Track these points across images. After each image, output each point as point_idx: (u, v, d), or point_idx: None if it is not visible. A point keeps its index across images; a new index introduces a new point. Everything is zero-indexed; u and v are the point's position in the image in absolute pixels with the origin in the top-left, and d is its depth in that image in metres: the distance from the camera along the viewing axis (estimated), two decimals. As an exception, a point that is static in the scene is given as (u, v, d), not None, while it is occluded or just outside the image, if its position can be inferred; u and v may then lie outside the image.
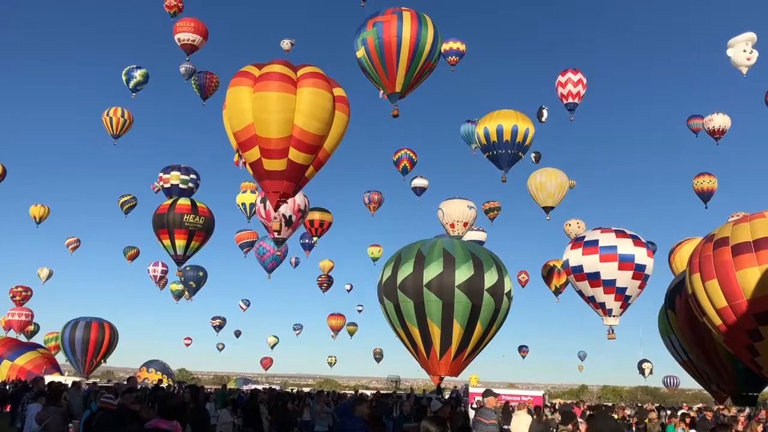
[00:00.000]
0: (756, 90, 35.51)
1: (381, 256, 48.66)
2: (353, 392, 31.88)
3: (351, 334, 61.26)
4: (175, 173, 31.88)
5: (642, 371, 52.38)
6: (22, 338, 40.62)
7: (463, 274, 20.03)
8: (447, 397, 25.21)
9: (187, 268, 38.80)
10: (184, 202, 28.80)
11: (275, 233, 28.24)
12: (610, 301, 22.87)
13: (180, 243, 27.95)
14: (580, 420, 10.93)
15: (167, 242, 28.03)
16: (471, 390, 22.91)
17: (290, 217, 27.77)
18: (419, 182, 41.41)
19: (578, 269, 23.07)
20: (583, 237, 23.94)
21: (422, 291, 20.06)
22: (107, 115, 33.59)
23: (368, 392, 31.65)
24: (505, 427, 13.25)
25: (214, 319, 61.41)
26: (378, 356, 67.21)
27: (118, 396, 7.93)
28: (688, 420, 13.85)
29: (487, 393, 9.57)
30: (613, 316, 23.37)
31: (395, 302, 20.82)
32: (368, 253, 50.06)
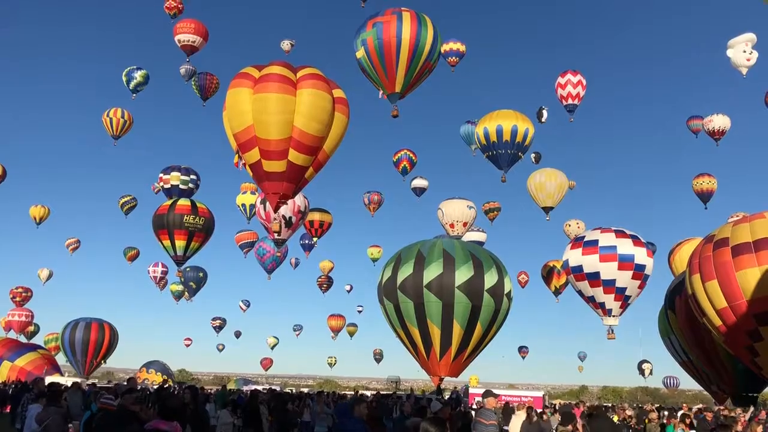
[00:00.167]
0: (756, 90, 35.61)
1: (381, 256, 48.78)
2: (353, 393, 31.83)
3: (351, 334, 61.32)
4: (175, 174, 31.92)
5: (642, 372, 52.29)
6: (23, 339, 40.63)
7: (463, 274, 20.06)
8: (447, 397, 25.19)
9: (187, 269, 38.86)
10: (184, 202, 28.82)
11: (275, 234, 28.27)
12: (610, 301, 22.87)
13: (180, 244, 27.97)
14: (579, 420, 10.94)
15: (167, 243, 28.05)
16: (471, 391, 22.96)
17: (290, 218, 27.77)
18: (419, 183, 41.42)
19: (578, 269, 23.08)
20: (583, 237, 23.96)
21: (422, 292, 20.08)
22: (107, 115, 33.65)
23: (368, 393, 31.59)
24: (505, 427, 13.27)
25: (214, 319, 61.46)
26: (378, 357, 67.22)
27: (118, 397, 7.92)
28: (687, 421, 13.83)
29: (487, 394, 9.56)
30: (613, 316, 23.37)
31: (395, 303, 20.84)
32: (368, 253, 50.12)
